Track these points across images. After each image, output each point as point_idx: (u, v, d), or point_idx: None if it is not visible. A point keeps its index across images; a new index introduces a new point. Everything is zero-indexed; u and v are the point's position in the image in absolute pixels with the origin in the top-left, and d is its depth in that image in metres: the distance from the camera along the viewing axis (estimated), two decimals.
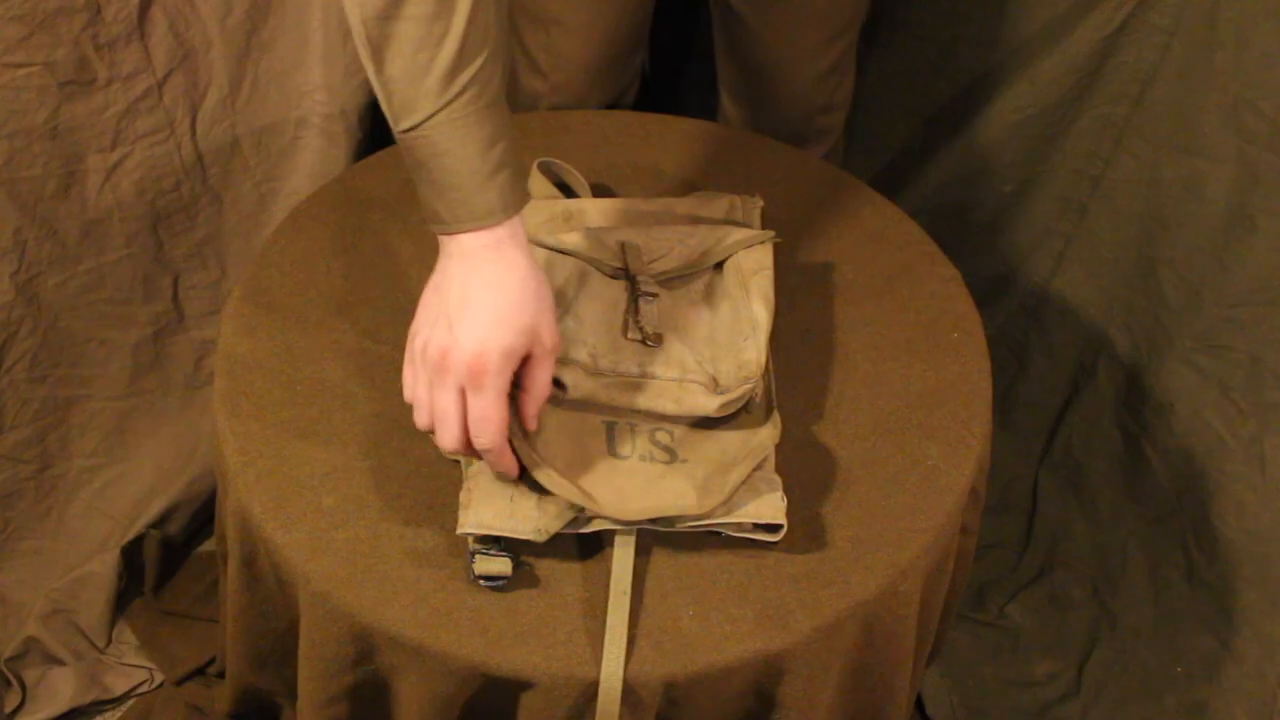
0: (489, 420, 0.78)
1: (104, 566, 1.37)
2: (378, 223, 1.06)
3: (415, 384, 0.81)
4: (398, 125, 0.77)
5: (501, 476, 0.84)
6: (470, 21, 0.74)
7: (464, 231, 0.78)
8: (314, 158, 1.36)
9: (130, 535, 1.38)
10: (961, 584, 1.05)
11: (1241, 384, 1.21)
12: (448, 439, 0.79)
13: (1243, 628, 1.22)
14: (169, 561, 1.41)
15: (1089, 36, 1.27)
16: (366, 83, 1.32)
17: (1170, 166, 1.24)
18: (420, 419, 0.81)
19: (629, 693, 0.80)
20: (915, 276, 1.09)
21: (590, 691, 0.79)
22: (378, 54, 0.74)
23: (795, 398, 0.98)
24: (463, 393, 0.78)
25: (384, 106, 0.77)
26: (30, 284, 1.23)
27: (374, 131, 1.39)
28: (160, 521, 1.40)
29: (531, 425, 0.84)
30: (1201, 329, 1.24)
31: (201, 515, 1.45)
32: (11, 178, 1.16)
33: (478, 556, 0.83)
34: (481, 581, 0.83)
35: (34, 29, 1.10)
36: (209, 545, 1.46)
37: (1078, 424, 1.44)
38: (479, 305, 0.77)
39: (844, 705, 0.91)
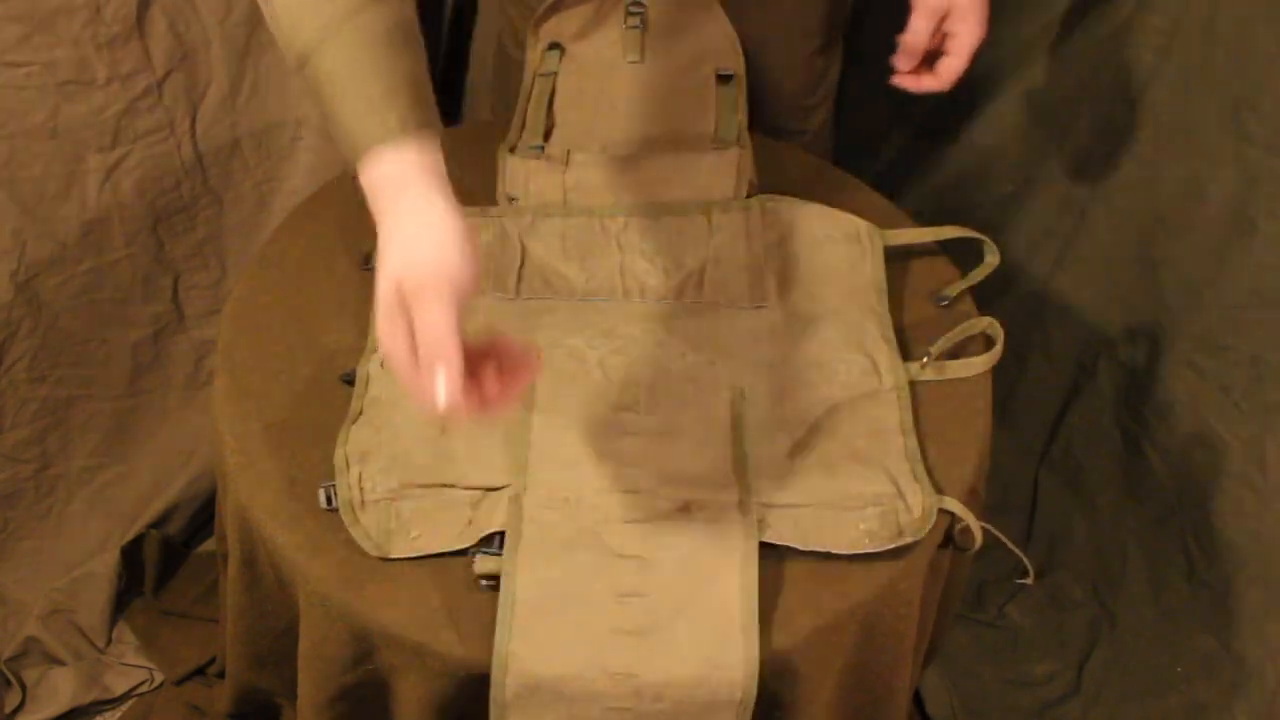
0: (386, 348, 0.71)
1: (104, 566, 1.37)
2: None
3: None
4: (290, 51, 0.73)
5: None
6: None
7: (364, 155, 0.71)
8: (314, 158, 1.36)
9: (130, 535, 1.38)
10: (961, 584, 1.05)
11: (1241, 384, 1.21)
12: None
13: (1243, 628, 1.22)
14: (169, 561, 1.41)
15: (1089, 36, 1.26)
16: None
17: (1170, 166, 1.24)
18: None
19: None
20: (915, 276, 1.09)
21: None
22: None
23: None
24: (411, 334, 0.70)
25: (278, 34, 0.73)
26: (30, 284, 1.23)
27: None
28: (160, 521, 1.40)
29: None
30: (1201, 329, 1.24)
31: (201, 515, 1.45)
32: (11, 177, 1.16)
33: (478, 556, 0.83)
34: (481, 581, 0.83)
35: (33, 28, 1.10)
36: (209, 545, 1.46)
37: (1078, 424, 1.44)
38: (393, 243, 0.71)
39: (844, 705, 0.91)
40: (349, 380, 0.95)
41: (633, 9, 1.14)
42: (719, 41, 1.15)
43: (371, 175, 0.72)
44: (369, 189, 0.73)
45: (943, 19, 1.02)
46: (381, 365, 0.96)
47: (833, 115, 1.33)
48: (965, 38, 1.02)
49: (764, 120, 1.21)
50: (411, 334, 0.70)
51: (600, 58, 1.14)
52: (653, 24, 1.14)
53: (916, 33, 1.02)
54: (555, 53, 1.14)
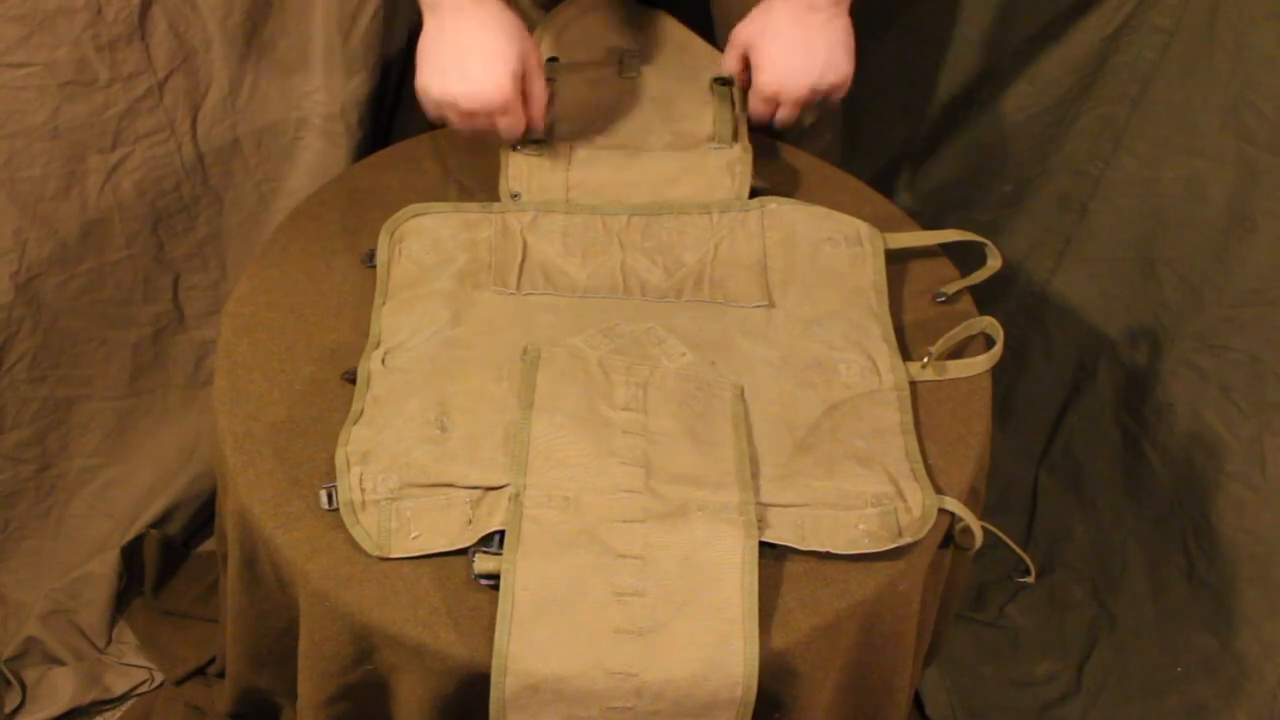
0: (516, 129, 1.04)
1: (104, 566, 1.37)
2: (377, 223, 1.06)
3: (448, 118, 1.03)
4: None
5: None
6: None
7: None
8: (314, 158, 1.36)
9: (130, 535, 1.38)
10: (961, 584, 1.05)
11: (1241, 384, 1.21)
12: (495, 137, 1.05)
13: (1243, 628, 1.22)
14: (169, 561, 1.41)
15: (1089, 36, 1.27)
16: (366, 82, 1.33)
17: (1170, 166, 1.24)
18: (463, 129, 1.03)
19: None
20: (915, 276, 1.09)
21: None
22: None
23: None
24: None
25: None
26: (30, 284, 1.23)
27: (374, 131, 1.39)
28: (160, 521, 1.40)
29: (539, 127, 1.07)
30: (1201, 329, 1.24)
31: (201, 515, 1.45)
32: (12, 178, 1.16)
33: (477, 555, 0.83)
34: (481, 580, 0.83)
35: (34, 29, 1.10)
36: (209, 545, 1.46)
37: (1078, 424, 1.44)
38: (480, 50, 0.99)
39: (844, 705, 0.91)
40: (350, 379, 0.95)
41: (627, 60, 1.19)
42: (714, 57, 1.17)
43: None
44: (445, 4, 1.00)
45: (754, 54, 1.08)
46: (383, 362, 0.96)
47: (841, 112, 1.33)
48: (759, 83, 1.07)
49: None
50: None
51: (598, 73, 1.16)
52: (645, 58, 1.19)
53: (722, 64, 1.12)
54: (554, 64, 1.16)
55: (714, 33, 1.26)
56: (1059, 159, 1.36)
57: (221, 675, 1.17)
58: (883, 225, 1.10)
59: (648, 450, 0.89)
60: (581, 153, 1.10)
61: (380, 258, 1.04)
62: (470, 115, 1.01)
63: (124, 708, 1.34)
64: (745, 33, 1.07)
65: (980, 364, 1.00)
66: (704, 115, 1.13)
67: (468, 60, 1.00)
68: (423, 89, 1.02)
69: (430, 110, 1.04)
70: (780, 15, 1.04)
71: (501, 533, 0.84)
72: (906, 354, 1.00)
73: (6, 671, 1.30)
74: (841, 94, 1.08)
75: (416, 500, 0.86)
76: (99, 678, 1.34)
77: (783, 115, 1.08)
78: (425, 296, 1.00)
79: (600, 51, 1.19)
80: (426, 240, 1.05)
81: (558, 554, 0.82)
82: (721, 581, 0.81)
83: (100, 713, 1.33)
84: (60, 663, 1.32)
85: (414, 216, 1.07)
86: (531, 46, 1.03)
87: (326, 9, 1.27)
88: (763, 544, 0.84)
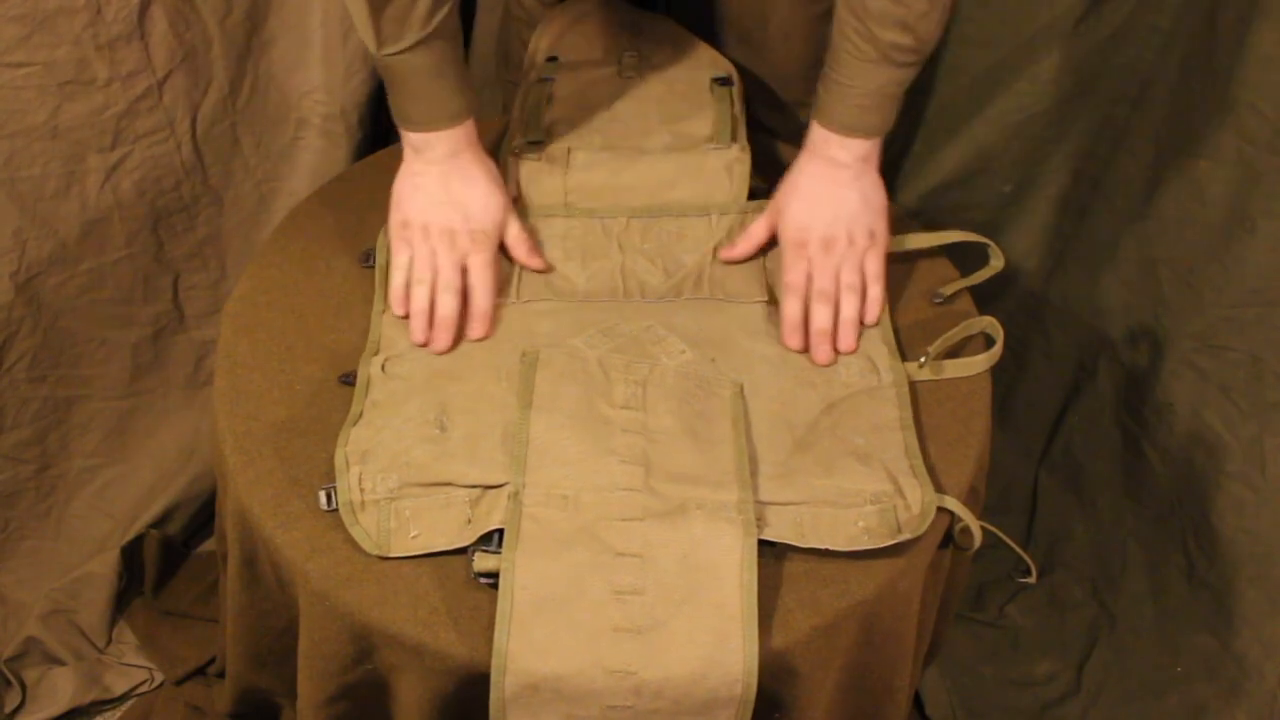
0: (489, 274, 1.01)
1: (104, 566, 1.37)
2: (378, 223, 1.06)
3: (419, 258, 1.00)
4: (383, 50, 0.95)
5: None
6: None
7: (437, 129, 0.98)
8: (314, 158, 1.36)
9: (130, 535, 1.39)
10: (961, 584, 1.05)
11: (1241, 384, 1.21)
12: (448, 298, 0.98)
13: (1243, 628, 1.22)
14: (169, 561, 1.41)
15: (1089, 36, 1.26)
16: (366, 82, 1.33)
17: (1170, 166, 1.24)
18: (421, 282, 0.99)
19: None
20: (915, 276, 1.09)
21: None
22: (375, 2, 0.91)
23: None
24: (462, 264, 1.00)
25: (370, 37, 0.94)
26: (30, 284, 1.23)
27: (374, 131, 1.40)
28: (160, 521, 1.41)
29: (541, 262, 1.04)
30: (1201, 329, 1.24)
31: (201, 515, 1.45)
32: (11, 177, 1.16)
33: (476, 554, 0.83)
34: (480, 579, 0.83)
35: (34, 29, 1.10)
36: (209, 545, 1.46)
37: (1078, 424, 1.44)
38: (466, 193, 1.01)
39: (844, 705, 0.91)
40: (348, 382, 0.95)
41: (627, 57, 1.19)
42: (714, 58, 1.17)
43: (432, 143, 0.99)
44: (424, 146, 1.00)
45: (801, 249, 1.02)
46: (383, 368, 0.96)
47: None
48: (783, 232, 1.02)
49: (771, 95, 1.21)
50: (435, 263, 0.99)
51: (598, 74, 1.16)
52: (645, 59, 1.19)
53: (751, 230, 1.06)
54: (554, 64, 1.16)
55: (714, 33, 1.26)
56: (1059, 159, 1.36)
57: (221, 675, 1.17)
58: None
59: (647, 448, 0.89)
60: (580, 156, 1.10)
61: (379, 260, 1.04)
62: (450, 235, 1.00)
63: (124, 708, 1.34)
64: (775, 199, 1.04)
65: (980, 364, 1.00)
66: (703, 116, 1.13)
67: (459, 191, 1.01)
68: (399, 228, 1.01)
69: (399, 257, 1.01)
70: (804, 173, 1.02)
71: (501, 531, 0.84)
72: (906, 355, 1.00)
73: (6, 671, 1.30)
74: (879, 251, 1.02)
75: (416, 499, 0.86)
76: (99, 678, 1.34)
77: (820, 282, 1.00)
78: None
79: (600, 52, 1.19)
80: None
81: (557, 552, 0.82)
82: (720, 580, 0.81)
83: (100, 713, 1.33)
84: (60, 663, 1.32)
85: None
86: (510, 205, 1.04)
87: (326, 9, 1.27)
88: (762, 542, 0.84)
